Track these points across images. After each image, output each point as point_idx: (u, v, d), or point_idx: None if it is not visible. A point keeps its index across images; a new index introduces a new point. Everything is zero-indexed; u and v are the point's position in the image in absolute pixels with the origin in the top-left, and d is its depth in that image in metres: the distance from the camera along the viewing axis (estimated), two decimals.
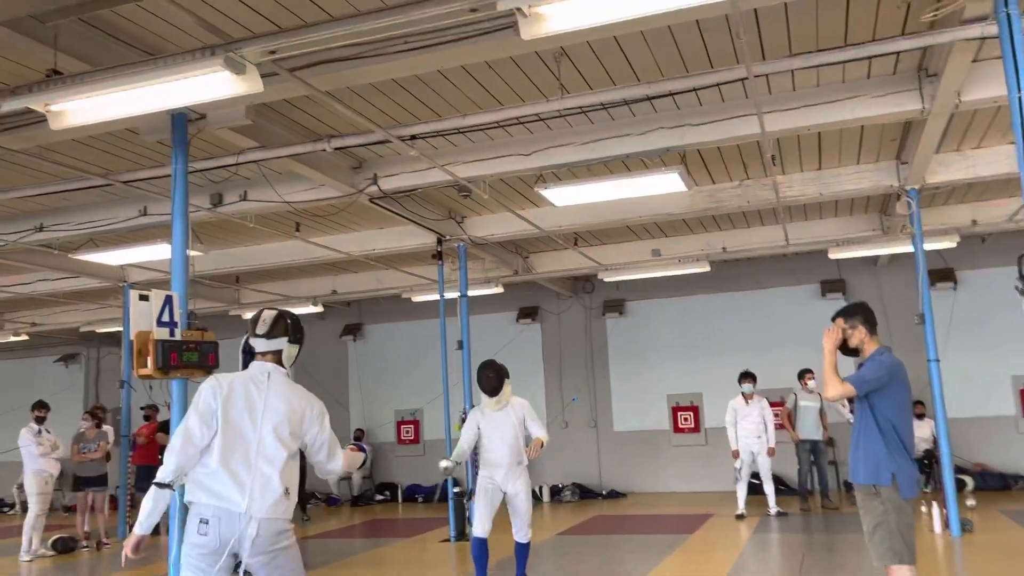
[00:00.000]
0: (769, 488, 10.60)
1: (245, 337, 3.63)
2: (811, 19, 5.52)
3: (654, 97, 6.51)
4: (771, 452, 10.52)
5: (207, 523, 3.25)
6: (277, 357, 3.59)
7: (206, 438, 3.33)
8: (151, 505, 3.30)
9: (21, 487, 10.75)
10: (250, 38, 4.47)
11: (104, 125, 5.48)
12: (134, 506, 12.28)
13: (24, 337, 15.51)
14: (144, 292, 5.53)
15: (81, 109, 4.84)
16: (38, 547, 9.89)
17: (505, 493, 6.35)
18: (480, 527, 6.34)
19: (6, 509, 16.63)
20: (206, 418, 3.35)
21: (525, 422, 6.38)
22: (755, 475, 10.94)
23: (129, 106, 4.80)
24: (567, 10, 3.97)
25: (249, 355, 3.62)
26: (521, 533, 6.42)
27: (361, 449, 4.00)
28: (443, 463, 6.24)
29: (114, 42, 4.99)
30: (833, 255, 11.48)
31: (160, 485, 3.30)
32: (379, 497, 14.99)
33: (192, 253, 9.60)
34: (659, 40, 5.70)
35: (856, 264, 12.93)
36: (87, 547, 10.46)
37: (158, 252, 9.23)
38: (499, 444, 6.30)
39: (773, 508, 10.53)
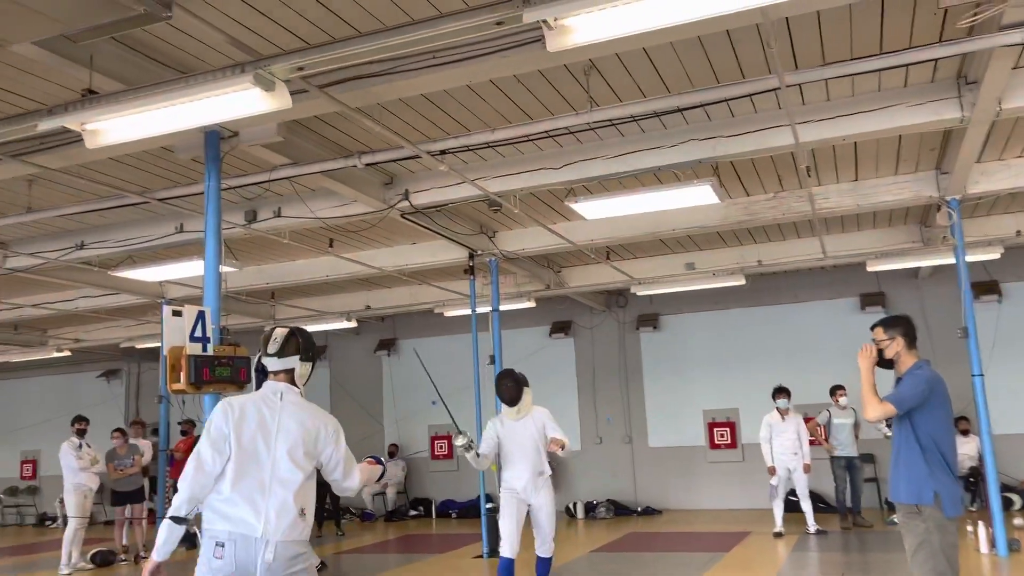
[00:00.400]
0: (807, 505, 10.38)
1: (258, 356, 3.59)
2: (845, 27, 5.43)
3: (685, 109, 6.44)
4: (807, 469, 10.29)
5: (223, 547, 3.21)
6: (290, 376, 3.54)
7: (218, 465, 3.28)
8: (165, 535, 3.25)
9: (63, 501, 10.95)
10: (279, 55, 4.51)
11: (139, 143, 5.56)
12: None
13: (67, 353, 15.81)
14: (177, 308, 5.58)
15: (116, 128, 4.92)
16: (77, 560, 10.02)
17: (529, 506, 6.17)
18: (509, 547, 6.09)
19: (49, 523, 16.92)
20: (218, 444, 3.30)
21: (545, 431, 6.19)
22: (792, 492, 10.73)
23: (162, 124, 4.86)
24: (593, 22, 3.94)
25: (262, 374, 3.57)
26: (544, 547, 6.22)
27: (378, 462, 3.92)
28: (460, 439, 5.92)
29: (148, 61, 5.07)
30: (872, 267, 11.27)
31: (175, 519, 3.25)
32: (413, 512, 14.97)
33: (227, 269, 9.75)
34: (689, 51, 5.65)
35: (896, 276, 12.68)
36: (125, 560, 10.59)
37: (194, 268, 9.34)
38: (520, 455, 6.14)
39: (812, 526, 10.30)
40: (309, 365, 3.60)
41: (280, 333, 3.57)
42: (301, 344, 3.56)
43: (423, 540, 12.28)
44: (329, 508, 13.32)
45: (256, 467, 3.31)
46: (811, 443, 10.51)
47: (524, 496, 6.13)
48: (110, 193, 7.72)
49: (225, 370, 5.69)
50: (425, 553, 10.94)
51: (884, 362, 4.28)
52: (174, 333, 5.53)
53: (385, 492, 14.85)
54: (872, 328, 4.38)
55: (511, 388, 6.21)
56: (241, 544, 3.20)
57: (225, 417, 3.36)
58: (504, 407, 6.27)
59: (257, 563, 3.20)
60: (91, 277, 10.49)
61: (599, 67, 5.82)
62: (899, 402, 4.04)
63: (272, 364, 3.53)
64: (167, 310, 5.58)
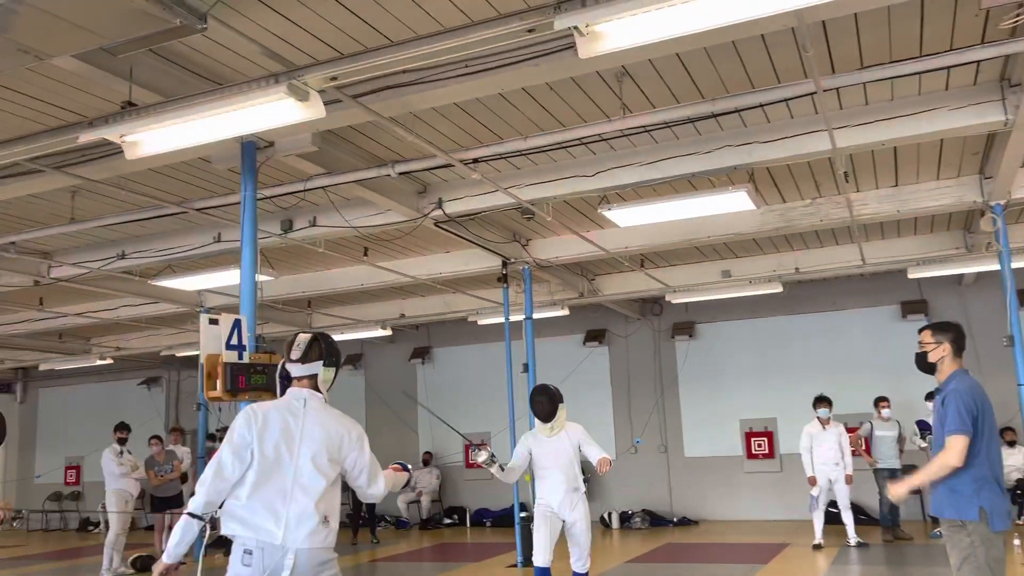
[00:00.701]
0: (848, 517, 10.18)
1: (281, 363, 3.58)
2: (883, 30, 5.34)
3: (719, 114, 6.39)
4: (849, 480, 10.09)
5: (251, 554, 3.21)
6: (313, 382, 3.51)
7: (238, 472, 3.27)
8: (179, 535, 3.25)
9: (105, 506, 11.16)
10: (312, 65, 4.55)
11: (177, 154, 5.65)
12: (212, 527, 12.55)
13: (109, 361, 16.12)
14: (214, 316, 5.65)
15: (154, 139, 5.00)
16: (118, 565, 10.18)
17: (564, 521, 6.10)
18: (542, 557, 6.06)
19: (91, 528, 17.22)
20: (240, 451, 3.29)
21: (581, 448, 6.13)
22: (833, 503, 10.53)
23: (198, 135, 4.93)
24: (625, 28, 3.92)
25: (286, 381, 3.56)
26: (580, 563, 6.13)
27: (404, 468, 3.91)
28: (483, 453, 5.81)
29: (185, 73, 5.15)
30: (913, 275, 11.05)
31: (191, 515, 3.26)
32: (447, 521, 14.97)
33: (263, 278, 9.86)
34: (723, 56, 5.59)
35: (939, 283, 12.42)
36: None
37: (231, 277, 9.47)
38: (554, 471, 6.07)
39: (853, 538, 10.10)
40: (333, 371, 3.57)
41: (303, 339, 3.55)
42: (324, 349, 3.54)
43: (458, 548, 12.27)
44: (364, 516, 13.37)
45: (278, 474, 3.29)
46: (853, 454, 10.31)
47: (559, 512, 6.07)
48: (149, 203, 7.86)
49: (261, 378, 5.74)
50: (460, 561, 10.92)
51: (926, 366, 4.23)
52: (211, 341, 5.60)
53: (420, 500, 14.87)
54: (920, 331, 4.33)
55: (545, 404, 6.14)
56: (268, 551, 3.20)
57: (248, 424, 3.35)
58: (538, 423, 6.21)
59: (281, 570, 3.19)
60: (132, 286, 10.69)
61: (632, 73, 5.79)
62: (961, 427, 3.87)
63: (295, 370, 3.52)
64: (204, 318, 5.65)
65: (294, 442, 3.36)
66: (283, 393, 3.55)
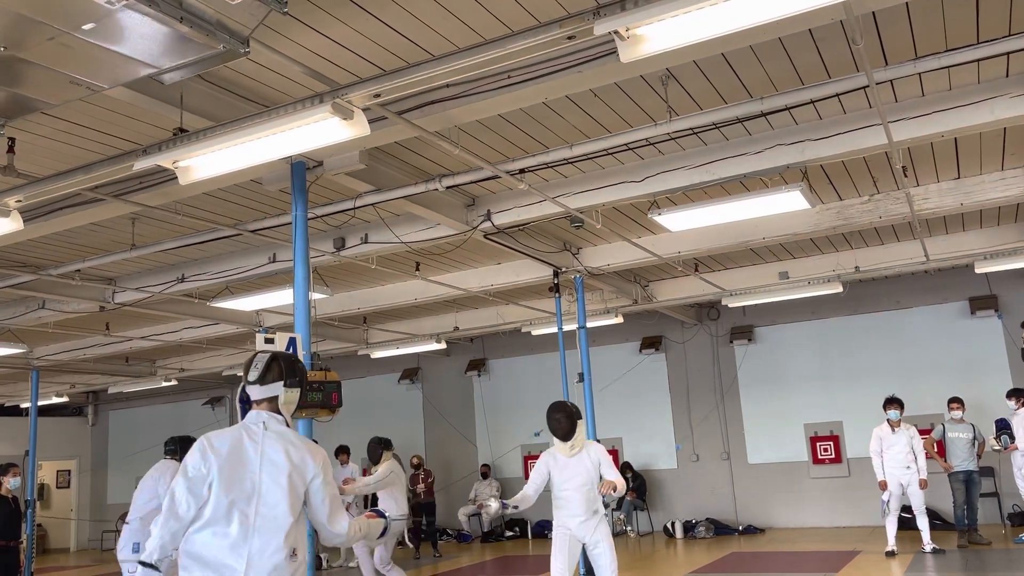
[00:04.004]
0: (923, 523, 9.81)
1: (241, 386, 3.36)
2: (937, 17, 5.16)
3: (769, 113, 6.26)
4: (923, 484, 9.72)
5: None
6: (273, 404, 3.29)
7: (192, 509, 3.02)
8: None
9: None
10: (355, 83, 4.58)
11: (229, 177, 5.75)
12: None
13: (174, 382, 16.52)
14: (269, 335, 5.72)
15: (205, 163, 5.09)
16: None
17: (584, 544, 5.78)
18: None
19: None
20: (194, 486, 3.05)
21: (600, 468, 5.80)
22: (906, 508, 10.18)
23: (248, 157, 4.99)
24: (666, 29, 3.85)
25: (245, 404, 3.34)
26: None
27: (380, 515, 3.62)
28: (492, 503, 5.71)
29: (232, 97, 5.26)
30: (981, 269, 10.66)
31: (144, 564, 2.99)
32: (509, 533, 14.92)
33: (318, 296, 9.99)
34: (770, 53, 5.48)
35: (1009, 277, 11.96)
36: None
37: (288, 297, 9.61)
38: (573, 492, 5.76)
39: (928, 544, 9.74)
40: (296, 392, 3.34)
41: (261, 359, 3.33)
42: (284, 369, 3.32)
43: (520, 561, 12.20)
44: (425, 529, 13.41)
45: (238, 503, 3.06)
46: (926, 457, 9.94)
47: (578, 534, 5.78)
48: (205, 227, 8.03)
49: (317, 395, 5.78)
50: (522, 575, 10.85)
51: None
52: None
53: (481, 513, 14.85)
54: (1023, 324, 3.96)
55: (563, 422, 5.86)
56: None
57: (204, 456, 3.11)
58: (556, 442, 5.92)
59: None
60: (192, 308, 10.94)
61: (677, 75, 5.71)
62: None
63: (254, 392, 3.31)
64: (260, 337, 5.73)
65: (253, 467, 3.13)
66: (243, 417, 3.34)
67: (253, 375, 3.31)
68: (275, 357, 3.35)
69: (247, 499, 3.07)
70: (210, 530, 3.00)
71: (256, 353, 3.39)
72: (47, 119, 5.49)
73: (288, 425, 3.32)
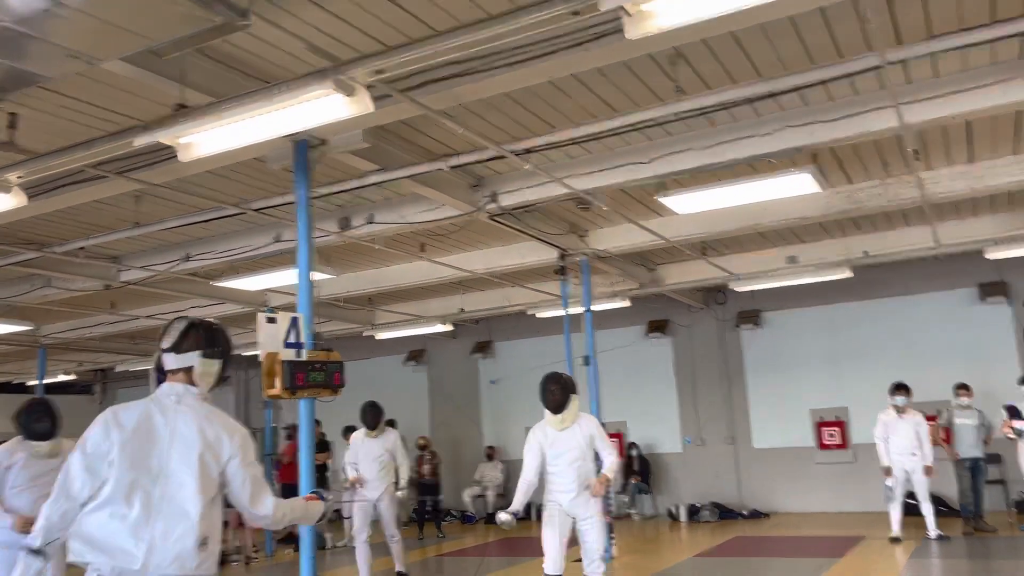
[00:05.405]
0: (927, 509, 9.77)
1: (157, 354, 3.09)
2: None
3: (778, 93, 6.15)
4: (928, 471, 9.66)
5: None
6: (189, 375, 3.02)
7: (87, 489, 2.75)
8: (20, 571, 2.78)
9: None
10: (358, 59, 4.52)
11: (231, 155, 5.69)
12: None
13: None
14: (272, 315, 5.69)
15: (207, 140, 5.05)
16: None
17: (574, 519, 5.69)
18: (552, 563, 5.66)
19: None
20: (92, 464, 2.77)
21: (594, 442, 5.69)
22: (910, 495, 10.14)
23: (250, 134, 4.95)
24: (673, 5, 3.78)
25: (160, 374, 3.07)
26: (593, 566, 5.71)
27: (320, 498, 3.40)
28: (503, 516, 5.60)
29: (234, 73, 5.19)
30: (991, 255, 10.56)
31: (30, 551, 2.74)
32: None
33: (323, 276, 9.96)
34: (780, 33, 5.38)
35: (1019, 264, 11.81)
36: (236, 561, 10.95)
37: (293, 276, 9.52)
38: (565, 467, 5.65)
39: (933, 531, 9.70)
40: (216, 363, 3.07)
41: (177, 326, 3.06)
42: (204, 338, 3.05)
43: (524, 543, 12.20)
44: (430, 510, 13.45)
45: (143, 484, 2.78)
46: (932, 444, 9.89)
47: (570, 510, 5.68)
48: (210, 205, 7.98)
49: (319, 375, 5.76)
50: (526, 556, 10.86)
51: None
52: (269, 339, 5.63)
53: (485, 494, 14.91)
54: None
55: (557, 393, 5.73)
56: None
57: (106, 431, 2.84)
58: (547, 415, 5.80)
59: None
60: (197, 288, 10.93)
61: (685, 55, 5.61)
62: None
63: (169, 361, 3.03)
64: (262, 317, 5.70)
65: (161, 444, 2.86)
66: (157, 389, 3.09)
67: (167, 342, 3.04)
68: (193, 324, 3.09)
69: (152, 479, 2.79)
70: (107, 511, 2.72)
71: (173, 320, 3.13)
72: (48, 95, 5.44)
73: (206, 399, 3.06)
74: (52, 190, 6.81)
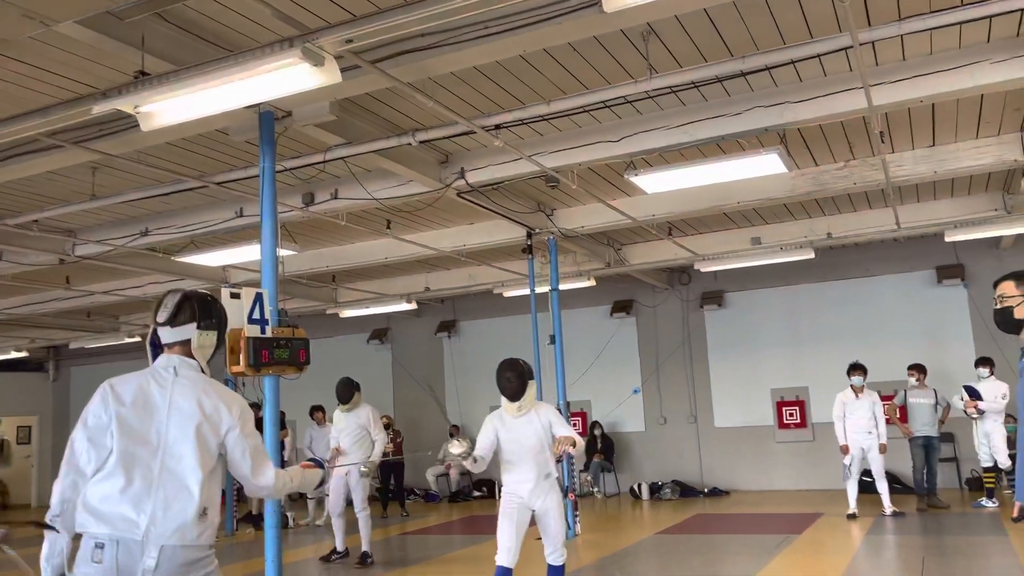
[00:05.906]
0: (882, 486, 10.01)
1: (152, 328, 3.08)
2: None
3: (749, 72, 6.15)
4: (883, 449, 9.92)
5: (102, 548, 2.69)
6: (186, 348, 3.01)
7: (94, 461, 2.78)
8: (46, 550, 2.81)
9: None
10: (326, 28, 4.41)
11: (193, 125, 5.55)
12: (240, 500, 12.68)
13: (138, 339, 16.23)
14: (235, 290, 5.57)
15: (168, 109, 4.89)
16: None
17: (533, 511, 5.55)
18: (505, 555, 5.47)
19: None
20: (96, 436, 2.81)
21: (552, 428, 5.53)
22: (867, 473, 10.35)
23: (213, 103, 4.81)
24: None
25: (157, 348, 3.05)
26: (555, 555, 5.59)
27: (318, 465, 3.40)
28: (457, 447, 5.31)
29: (197, 40, 5.04)
30: (950, 238, 10.75)
31: (45, 527, 2.77)
32: (476, 493, 14.99)
33: (286, 252, 9.80)
34: (753, 10, 5.36)
35: (976, 247, 12.07)
36: None
37: (255, 252, 9.35)
38: (522, 456, 5.49)
39: (888, 508, 9.93)
40: (212, 335, 3.07)
41: (172, 299, 3.05)
42: (199, 310, 3.04)
43: (487, 521, 12.22)
44: (393, 489, 13.41)
45: (143, 457, 2.81)
46: (887, 422, 10.11)
47: (528, 501, 5.53)
48: (170, 178, 7.78)
49: (284, 352, 5.66)
50: (489, 534, 10.87)
51: (1010, 324, 3.45)
52: (233, 316, 5.51)
53: (448, 473, 14.90)
54: (998, 283, 3.53)
55: (513, 380, 5.53)
56: (124, 547, 2.70)
57: (104, 403, 2.86)
58: (504, 402, 5.61)
59: (137, 572, 2.68)
60: (156, 263, 10.69)
61: (658, 31, 5.58)
62: None
63: (165, 335, 3.02)
64: (225, 292, 5.57)
65: (159, 416, 2.89)
66: (154, 362, 3.07)
67: (163, 315, 3.03)
68: (187, 296, 3.07)
69: (151, 451, 2.82)
70: (109, 482, 2.75)
71: (167, 292, 3.11)
72: (0, 59, 5.23)
73: (204, 372, 3.05)
74: (4, 160, 6.58)
